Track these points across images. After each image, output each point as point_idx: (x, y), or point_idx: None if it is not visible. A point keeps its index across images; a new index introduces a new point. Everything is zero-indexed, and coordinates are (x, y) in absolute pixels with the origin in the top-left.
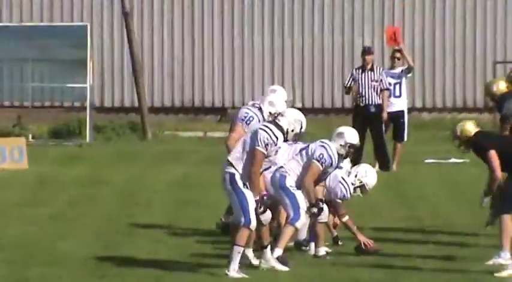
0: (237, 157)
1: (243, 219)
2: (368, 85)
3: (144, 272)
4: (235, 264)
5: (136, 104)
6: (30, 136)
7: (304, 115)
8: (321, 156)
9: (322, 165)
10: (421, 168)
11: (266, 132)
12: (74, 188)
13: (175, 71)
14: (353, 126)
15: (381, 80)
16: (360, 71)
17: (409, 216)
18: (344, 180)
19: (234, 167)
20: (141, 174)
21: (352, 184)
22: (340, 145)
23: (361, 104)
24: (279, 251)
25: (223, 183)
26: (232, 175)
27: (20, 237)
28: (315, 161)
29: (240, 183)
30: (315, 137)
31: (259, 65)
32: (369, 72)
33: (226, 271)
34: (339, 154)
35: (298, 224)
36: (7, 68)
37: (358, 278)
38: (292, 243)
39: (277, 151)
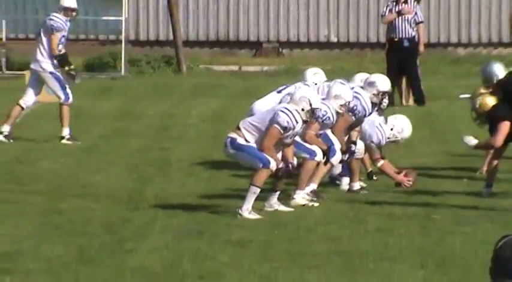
0: (249, 126)
1: (260, 164)
2: (402, 18)
3: (176, 205)
4: (248, 204)
5: (171, 38)
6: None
7: (340, 49)
8: (355, 107)
9: (355, 116)
10: (455, 104)
11: (288, 115)
12: (107, 121)
13: (210, 4)
14: (387, 61)
15: (416, 13)
16: (394, 3)
17: (443, 151)
18: (381, 126)
19: (238, 133)
20: (175, 108)
21: (388, 138)
22: (373, 94)
23: (395, 38)
24: (313, 186)
25: (224, 149)
26: (233, 139)
27: (53, 169)
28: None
29: (242, 142)
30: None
31: None
32: (403, 5)
33: (239, 210)
34: (372, 103)
35: (333, 160)
36: (41, 0)
37: (391, 213)
38: (327, 178)
39: (294, 135)
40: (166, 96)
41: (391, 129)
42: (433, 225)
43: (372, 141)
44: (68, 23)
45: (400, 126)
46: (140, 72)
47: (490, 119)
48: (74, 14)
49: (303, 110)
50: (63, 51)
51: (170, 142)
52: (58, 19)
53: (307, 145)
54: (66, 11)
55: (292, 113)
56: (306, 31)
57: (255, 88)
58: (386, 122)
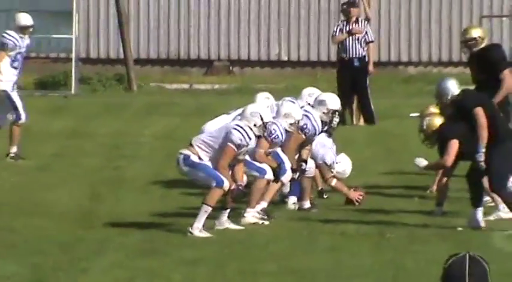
0: (202, 143)
1: (214, 183)
2: (352, 38)
3: (129, 223)
4: (200, 223)
5: (122, 56)
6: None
7: (291, 68)
8: (305, 126)
9: (305, 135)
10: (406, 123)
11: (241, 133)
12: (59, 139)
13: (161, 23)
14: (337, 80)
15: (366, 33)
16: (345, 23)
17: (395, 169)
18: (332, 148)
19: (191, 150)
20: (127, 126)
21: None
22: (323, 113)
23: (346, 58)
24: (264, 204)
25: (177, 166)
26: (186, 156)
27: (5, 188)
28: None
29: (195, 159)
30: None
31: (246, 17)
32: (353, 25)
33: (190, 228)
34: (322, 121)
35: (284, 179)
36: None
37: (344, 231)
38: (278, 196)
39: (247, 151)
40: (118, 114)
41: (336, 163)
42: (386, 243)
43: (325, 162)
44: (25, 41)
45: (343, 167)
46: (92, 90)
47: (439, 139)
48: (31, 30)
49: (255, 125)
50: (17, 69)
51: (123, 160)
52: (10, 37)
53: (257, 163)
54: (22, 29)
55: (244, 130)
56: (257, 49)
57: (207, 106)
58: (335, 144)
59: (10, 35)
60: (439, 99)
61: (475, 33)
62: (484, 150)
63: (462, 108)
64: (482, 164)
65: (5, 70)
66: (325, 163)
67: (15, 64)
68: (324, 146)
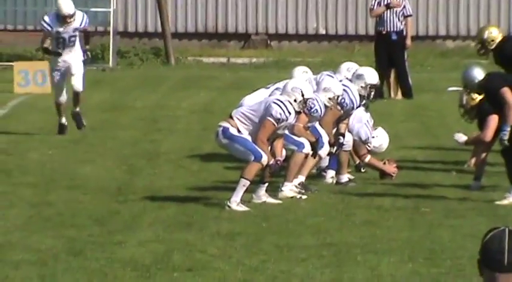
0: (242, 116)
1: (252, 157)
2: (390, 11)
3: (165, 197)
4: (237, 197)
5: (159, 29)
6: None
7: (328, 42)
8: (343, 100)
9: (342, 109)
10: (444, 97)
11: (280, 107)
12: (96, 112)
13: None
14: (375, 54)
15: (404, 6)
16: None
17: (432, 144)
18: (368, 123)
19: (230, 122)
20: (164, 100)
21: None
22: (361, 87)
23: (383, 31)
24: (301, 178)
25: (216, 138)
26: (225, 129)
27: (42, 161)
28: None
29: (234, 132)
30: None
31: None
32: None
33: (227, 202)
34: (360, 95)
35: (321, 153)
36: None
37: (380, 205)
38: (315, 170)
39: (286, 126)
40: (155, 88)
41: (373, 137)
42: (422, 218)
43: (360, 138)
44: (69, 26)
45: (379, 142)
46: (129, 64)
47: (479, 114)
48: (71, 20)
49: (295, 101)
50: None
51: (159, 134)
52: (44, 23)
53: (295, 137)
54: (62, 18)
55: (285, 105)
56: (295, 23)
57: (244, 80)
58: (373, 119)
59: (45, 21)
60: (467, 88)
61: (485, 34)
62: (509, 128)
63: (489, 90)
64: (505, 142)
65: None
66: (360, 139)
67: (59, 49)
68: (360, 121)
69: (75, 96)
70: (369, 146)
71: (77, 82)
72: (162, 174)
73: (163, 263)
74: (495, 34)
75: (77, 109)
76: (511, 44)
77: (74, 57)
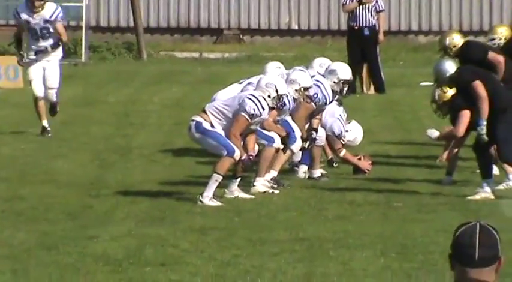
0: (215, 110)
1: (225, 152)
2: (363, 7)
3: (138, 191)
4: (210, 191)
5: (132, 24)
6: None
7: (300, 37)
8: (315, 95)
9: (315, 104)
10: (416, 92)
11: (254, 102)
12: (69, 107)
13: None
14: (347, 49)
15: (376, 1)
16: None
17: (404, 139)
18: (342, 117)
19: (203, 117)
20: (136, 95)
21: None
22: (334, 82)
23: (356, 27)
24: (274, 173)
25: (189, 132)
26: (198, 123)
27: (15, 155)
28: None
29: (207, 126)
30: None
31: None
32: None
33: (200, 197)
34: (333, 91)
35: (294, 147)
36: None
37: (352, 200)
38: (288, 165)
39: (260, 122)
40: (128, 82)
41: (346, 131)
42: (394, 212)
43: (333, 132)
44: (39, 15)
45: (353, 135)
46: (101, 58)
47: (451, 110)
48: (39, 3)
49: (269, 96)
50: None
51: (132, 129)
52: (15, 13)
53: (265, 132)
54: (30, 2)
55: (259, 100)
56: (267, 18)
57: (217, 75)
58: (346, 113)
59: (15, 11)
60: (438, 82)
61: (447, 40)
62: (485, 122)
63: (461, 84)
64: (484, 136)
65: (27, 44)
66: (333, 133)
67: (34, 37)
68: (332, 115)
69: (52, 107)
70: (343, 140)
71: (51, 95)
72: (134, 168)
73: (136, 257)
74: (457, 40)
75: (55, 111)
76: (471, 50)
77: (50, 65)
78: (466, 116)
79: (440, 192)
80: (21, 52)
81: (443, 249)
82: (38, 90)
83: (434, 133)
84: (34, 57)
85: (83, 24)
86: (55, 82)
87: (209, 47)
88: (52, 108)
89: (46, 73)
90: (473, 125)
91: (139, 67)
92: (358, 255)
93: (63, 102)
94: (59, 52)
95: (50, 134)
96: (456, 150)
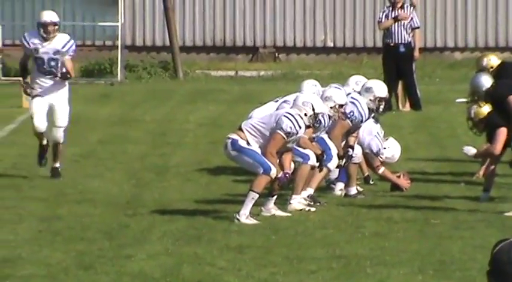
0: (251, 128)
1: (261, 170)
2: (398, 24)
3: (175, 210)
4: (246, 209)
5: (167, 43)
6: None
7: (336, 55)
8: (351, 113)
9: (352, 122)
10: (452, 108)
11: (291, 121)
12: (105, 126)
13: (206, 9)
14: (383, 66)
15: (412, 19)
16: (391, 9)
17: (441, 155)
18: (379, 135)
19: (239, 134)
20: (172, 113)
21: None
22: (370, 100)
23: (391, 44)
24: (310, 191)
25: (225, 150)
26: (234, 141)
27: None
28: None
29: (243, 144)
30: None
31: (291, 3)
32: (399, 11)
33: (236, 215)
34: (369, 108)
35: (330, 165)
36: (39, 6)
37: (389, 217)
38: (324, 183)
39: (296, 140)
40: (164, 101)
41: (384, 149)
42: (431, 229)
43: (372, 150)
44: (49, 43)
45: (391, 152)
46: (137, 77)
47: (488, 127)
48: (52, 28)
49: (305, 115)
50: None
51: (168, 148)
52: (23, 39)
53: (300, 149)
54: (42, 26)
55: (295, 118)
56: (303, 36)
57: (252, 93)
58: (383, 130)
59: (24, 36)
60: (474, 96)
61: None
62: None
63: (497, 98)
64: None
65: (32, 75)
66: (371, 151)
67: (41, 69)
68: (370, 133)
69: (55, 148)
70: (381, 158)
71: (58, 134)
72: (171, 187)
73: (173, 276)
74: (494, 61)
75: (57, 164)
76: (507, 70)
77: (59, 102)
78: (502, 133)
79: (478, 209)
80: (27, 80)
81: (481, 266)
82: (41, 124)
83: (471, 150)
84: (39, 91)
85: (119, 43)
86: (64, 120)
87: (245, 65)
88: (54, 155)
89: (55, 109)
90: (509, 141)
91: (175, 86)
92: (395, 272)
93: (100, 121)
94: (66, 88)
95: (61, 178)
96: (493, 166)
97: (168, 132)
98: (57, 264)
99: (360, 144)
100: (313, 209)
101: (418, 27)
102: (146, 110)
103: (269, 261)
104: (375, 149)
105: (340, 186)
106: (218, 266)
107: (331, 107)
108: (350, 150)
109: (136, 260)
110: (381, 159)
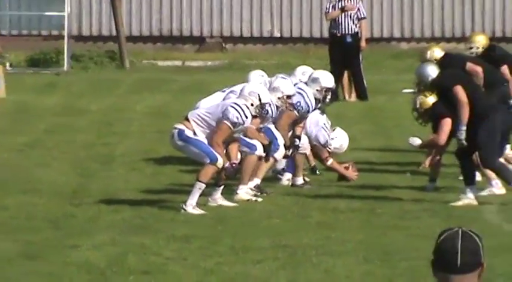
0: (198, 118)
1: (208, 160)
2: (345, 14)
3: (120, 200)
4: (193, 200)
5: (114, 33)
6: (7, 64)
7: (283, 45)
8: (298, 103)
9: (298, 112)
10: (398, 98)
11: (237, 111)
12: (51, 116)
13: None
14: (330, 57)
15: (358, 9)
16: (338, 0)
17: (386, 145)
18: (326, 126)
19: (186, 124)
20: (119, 103)
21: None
22: (317, 90)
23: (338, 34)
24: (257, 181)
25: (171, 140)
26: (181, 131)
27: None
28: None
29: (190, 134)
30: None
31: None
32: (346, 1)
33: (183, 205)
34: (315, 99)
35: (277, 155)
36: None
37: (335, 207)
38: (271, 173)
39: (242, 130)
40: (110, 91)
41: (332, 139)
42: (377, 219)
43: (319, 142)
44: None
45: (339, 142)
46: (83, 67)
47: (432, 117)
48: None
49: (252, 105)
50: None
51: (114, 137)
52: None
53: (247, 139)
54: None
55: (242, 108)
56: (249, 26)
57: (199, 83)
58: (329, 121)
59: None
60: (420, 85)
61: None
62: (464, 127)
63: (442, 88)
64: (463, 141)
65: None
66: (319, 142)
67: None
68: (317, 124)
69: None
70: (329, 149)
71: None
72: (117, 177)
73: (119, 266)
74: (437, 54)
75: None
76: (450, 61)
77: None
78: (447, 123)
79: (423, 199)
80: None
81: (425, 255)
82: None
83: (416, 141)
84: None
85: (65, 33)
86: None
87: (191, 55)
88: None
89: None
90: (455, 131)
91: (122, 76)
92: (340, 262)
93: (46, 110)
94: None
95: None
96: (438, 157)
97: (114, 121)
98: (2, 253)
99: (307, 135)
100: (259, 199)
101: (364, 18)
102: (92, 99)
103: (215, 251)
104: (322, 141)
105: (287, 176)
106: (164, 255)
107: (278, 98)
108: (297, 140)
109: (82, 249)
110: (329, 150)
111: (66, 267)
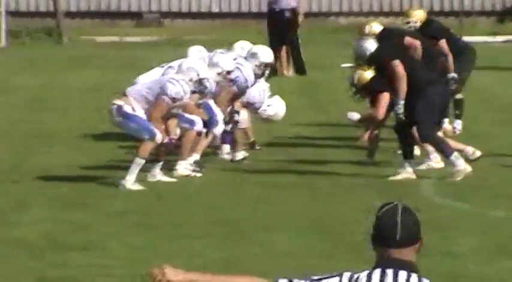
0: (137, 94)
1: (146, 135)
2: None
3: (58, 176)
4: (131, 176)
5: (52, 9)
6: None
7: (221, 20)
8: (237, 78)
9: (237, 87)
10: (336, 73)
11: (176, 86)
12: None
13: None
14: (268, 32)
15: None
16: None
17: (324, 120)
18: (264, 92)
19: (124, 100)
20: (57, 79)
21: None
22: (256, 65)
23: (276, 9)
24: (196, 156)
25: (110, 116)
26: (119, 107)
27: None
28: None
29: (128, 110)
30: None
31: None
32: None
33: (122, 181)
34: (255, 74)
35: (216, 130)
36: None
37: (273, 182)
38: (210, 148)
39: (182, 106)
40: (48, 67)
41: (268, 106)
42: (316, 193)
43: (254, 102)
44: None
45: (275, 110)
46: (21, 43)
47: (370, 92)
48: None
49: (190, 80)
50: None
51: (52, 113)
52: None
53: (187, 115)
54: None
55: (180, 84)
56: (188, 1)
57: (138, 59)
58: (269, 90)
59: None
60: (358, 60)
61: (367, 29)
62: (402, 102)
63: (380, 62)
64: (401, 115)
65: None
66: (254, 103)
67: None
68: (256, 88)
69: None
70: (264, 115)
71: None
72: (54, 153)
73: (57, 242)
74: (376, 28)
75: None
76: (388, 36)
77: None
78: (385, 98)
79: (361, 173)
80: None
81: (364, 229)
82: None
83: (354, 116)
84: None
85: (2, 9)
86: None
87: (130, 30)
88: None
89: None
90: (392, 106)
91: (60, 52)
92: (279, 237)
93: None
94: None
95: None
96: (377, 131)
97: (52, 98)
98: None
99: (247, 100)
100: (198, 175)
101: None
102: (29, 76)
103: (153, 226)
104: (257, 100)
105: (226, 149)
106: (102, 232)
107: (218, 73)
108: (236, 115)
109: (19, 226)
110: (265, 116)
111: (4, 244)
